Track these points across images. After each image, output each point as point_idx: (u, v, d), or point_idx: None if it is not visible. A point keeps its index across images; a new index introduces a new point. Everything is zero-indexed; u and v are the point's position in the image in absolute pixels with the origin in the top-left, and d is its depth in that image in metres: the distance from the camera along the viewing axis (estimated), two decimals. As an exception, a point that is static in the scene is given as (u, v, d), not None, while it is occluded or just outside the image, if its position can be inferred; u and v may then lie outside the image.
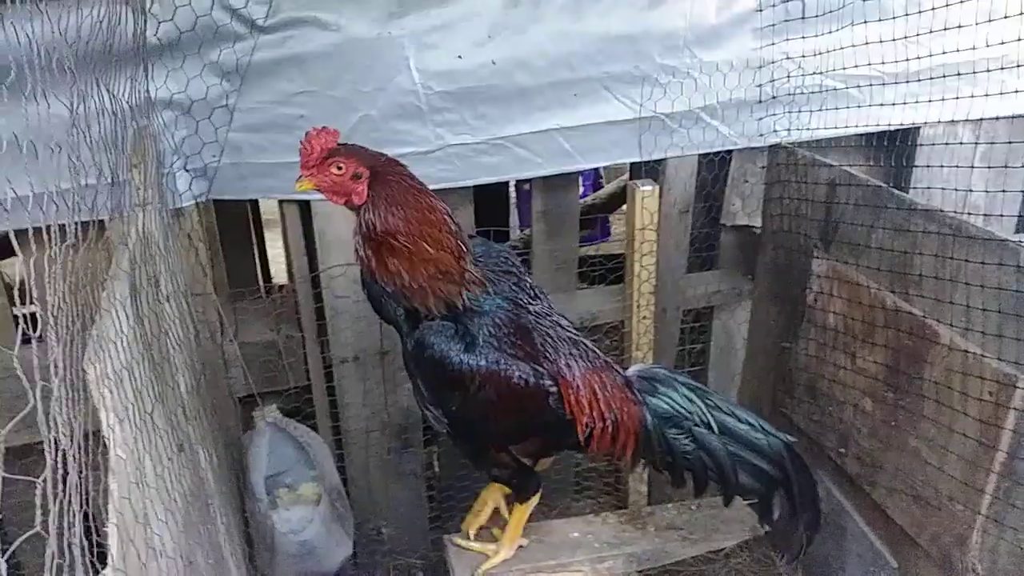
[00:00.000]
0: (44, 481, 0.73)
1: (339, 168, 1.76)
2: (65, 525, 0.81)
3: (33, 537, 0.76)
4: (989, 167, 2.44)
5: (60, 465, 0.80)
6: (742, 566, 3.01)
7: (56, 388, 0.82)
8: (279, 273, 4.31)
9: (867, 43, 2.47)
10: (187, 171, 2.27)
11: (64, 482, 0.81)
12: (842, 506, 2.66)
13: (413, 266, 1.78)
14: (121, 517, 1.11)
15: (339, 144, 1.78)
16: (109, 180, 1.48)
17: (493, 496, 2.32)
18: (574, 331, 2.00)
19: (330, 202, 1.84)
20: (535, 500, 2.15)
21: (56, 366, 0.84)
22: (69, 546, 0.83)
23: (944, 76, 2.42)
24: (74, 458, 0.96)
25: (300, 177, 1.79)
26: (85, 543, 0.99)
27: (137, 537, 1.19)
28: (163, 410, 1.61)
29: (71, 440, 0.86)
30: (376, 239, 1.78)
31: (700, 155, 2.77)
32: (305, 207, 2.49)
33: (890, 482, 2.41)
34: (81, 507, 0.99)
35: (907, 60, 2.43)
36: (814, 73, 2.63)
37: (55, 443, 0.79)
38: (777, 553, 3.05)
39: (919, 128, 2.79)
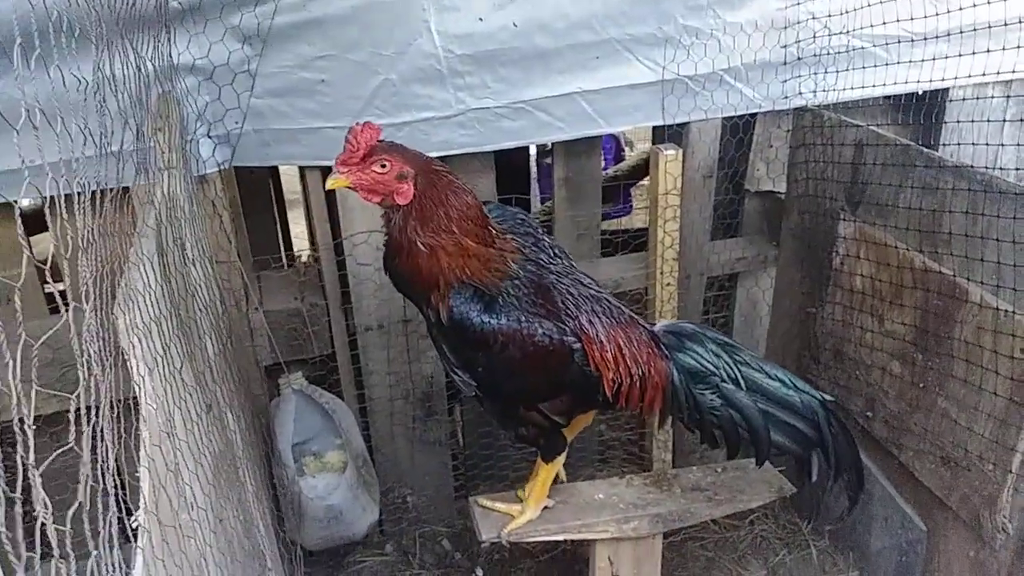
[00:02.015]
0: (77, 397, 0.74)
1: (383, 166, 1.73)
2: (99, 452, 0.82)
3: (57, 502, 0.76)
4: (1021, 121, 2.38)
5: (94, 391, 0.81)
6: (767, 532, 3.01)
7: (87, 315, 0.82)
8: (301, 249, 4.34)
9: (894, 0, 2.42)
10: (210, 138, 2.28)
11: (97, 411, 0.82)
12: (869, 470, 2.63)
13: (453, 266, 1.79)
14: (152, 463, 1.12)
15: (379, 141, 1.75)
16: (135, 138, 1.49)
17: None
18: (596, 288, 1.99)
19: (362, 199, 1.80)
20: (561, 460, 2.15)
21: (88, 295, 0.84)
22: (102, 473, 0.84)
23: (975, 30, 2.37)
24: (106, 393, 0.97)
25: (334, 173, 1.75)
26: (118, 480, 1.00)
27: (168, 485, 1.21)
28: (192, 368, 1.63)
29: (103, 372, 0.87)
30: (420, 240, 1.78)
31: (724, 119, 2.74)
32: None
33: (918, 444, 2.39)
34: (114, 443, 1.00)
35: (936, 16, 2.39)
36: (840, 33, 2.59)
37: (88, 367, 0.80)
38: (803, 519, 3.04)
39: (948, 89, 2.74)
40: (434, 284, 1.81)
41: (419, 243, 1.78)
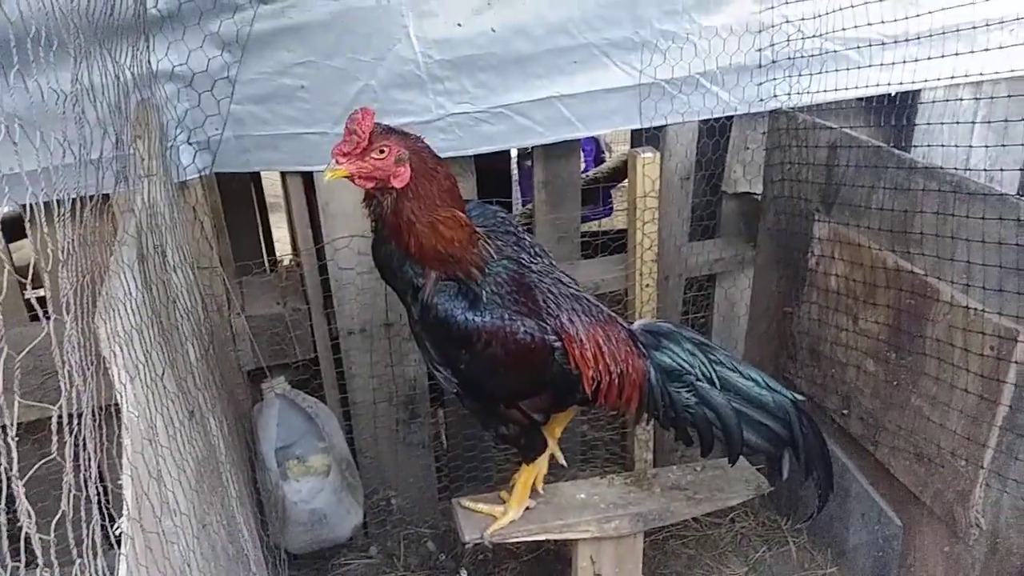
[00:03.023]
0: (60, 408, 0.75)
1: (382, 152, 1.72)
2: (81, 460, 0.83)
3: (39, 509, 0.77)
4: (990, 123, 2.43)
5: (75, 400, 0.82)
6: (747, 530, 3.04)
7: (69, 325, 0.84)
8: (283, 254, 4.33)
9: (866, 3, 2.46)
10: (190, 144, 2.29)
11: (80, 419, 0.83)
12: (845, 467, 2.68)
13: (455, 238, 1.81)
14: (135, 471, 1.14)
15: (375, 124, 1.73)
16: (114, 146, 1.50)
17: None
18: (576, 287, 2.02)
19: (356, 186, 1.79)
20: (541, 461, 2.17)
21: (68, 306, 0.86)
22: (85, 481, 0.85)
23: (945, 33, 2.41)
24: (88, 401, 0.98)
25: (333, 164, 1.72)
26: (100, 487, 1.01)
27: (151, 491, 1.22)
28: (173, 375, 1.64)
29: (84, 381, 0.88)
30: (420, 220, 1.79)
31: (700, 122, 2.78)
32: (308, 179, 2.51)
33: (893, 441, 2.43)
34: (96, 451, 1.01)
35: (907, 19, 2.43)
36: (814, 36, 2.63)
37: (69, 377, 0.82)
38: (782, 516, 3.08)
39: (919, 91, 2.79)
40: (437, 260, 1.82)
41: (420, 222, 1.78)
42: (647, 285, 2.83)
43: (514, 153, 4.65)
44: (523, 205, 4.68)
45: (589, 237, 3.07)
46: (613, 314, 2.05)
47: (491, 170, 3.29)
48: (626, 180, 3.12)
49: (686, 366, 2.02)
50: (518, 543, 2.62)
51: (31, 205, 0.92)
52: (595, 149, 5.09)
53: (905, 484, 2.42)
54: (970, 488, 2.17)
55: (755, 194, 3.02)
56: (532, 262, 1.96)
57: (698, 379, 2.01)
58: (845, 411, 2.63)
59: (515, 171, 4.84)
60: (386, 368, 2.80)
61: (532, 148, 2.74)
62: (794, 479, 2.14)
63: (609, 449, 3.36)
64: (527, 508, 2.24)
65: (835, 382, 2.67)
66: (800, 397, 2.08)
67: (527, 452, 2.14)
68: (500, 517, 2.21)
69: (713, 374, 2.01)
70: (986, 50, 2.38)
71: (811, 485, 2.15)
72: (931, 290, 2.22)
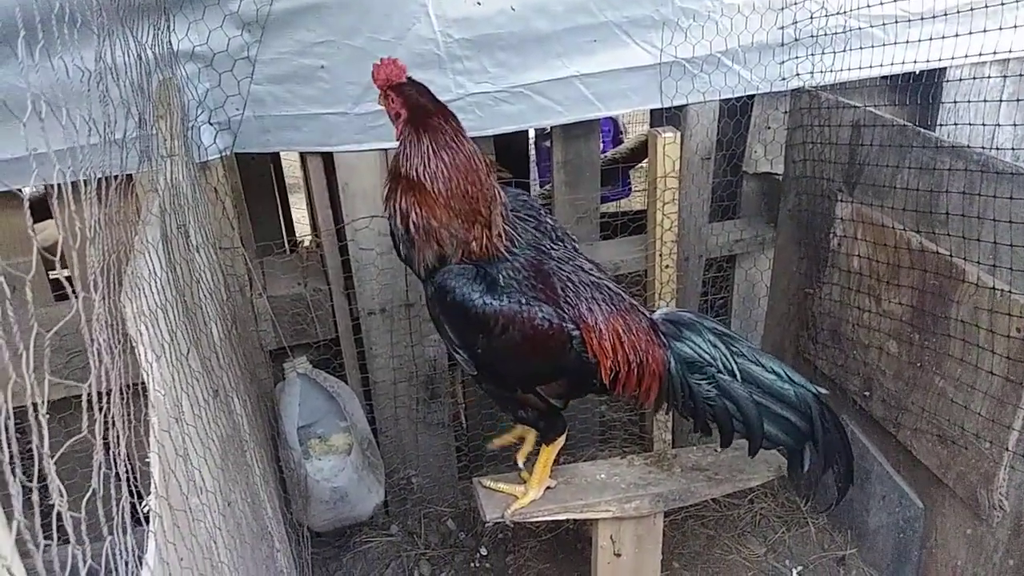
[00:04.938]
0: (89, 386, 0.76)
1: (387, 97, 1.87)
2: (110, 438, 0.84)
3: (68, 486, 0.78)
4: (1018, 101, 2.39)
5: (104, 379, 0.83)
6: (766, 510, 3.04)
7: (97, 304, 0.84)
8: (304, 235, 4.35)
9: (891, -20, 2.43)
10: (211, 125, 2.29)
11: (108, 396, 0.84)
12: (867, 449, 2.67)
13: (449, 217, 1.81)
14: (162, 448, 1.15)
15: (407, 79, 1.86)
16: (137, 125, 1.50)
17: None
18: (597, 274, 2.00)
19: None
20: (561, 441, 2.17)
21: (96, 284, 0.86)
22: (114, 459, 0.87)
23: (972, 10, 2.37)
24: (116, 380, 0.99)
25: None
26: (128, 467, 1.02)
27: (178, 470, 1.23)
28: (198, 354, 1.65)
29: (112, 360, 0.89)
30: (410, 184, 1.80)
31: (721, 101, 2.75)
32: (328, 159, 2.50)
33: (915, 423, 2.41)
34: (124, 430, 1.02)
35: (933, -5, 2.39)
36: (837, 13, 2.59)
37: (99, 355, 0.82)
38: (801, 497, 3.07)
39: (945, 69, 2.75)
40: (418, 241, 1.84)
41: (405, 197, 1.83)
42: (667, 266, 2.82)
43: (532, 133, 4.62)
44: (541, 186, 4.67)
45: (609, 217, 3.06)
46: (635, 302, 2.03)
47: (510, 150, 3.29)
48: (645, 160, 3.10)
49: (707, 358, 1.99)
50: (538, 522, 2.64)
51: (58, 184, 0.92)
52: (613, 129, 5.05)
53: (927, 466, 2.40)
54: (994, 470, 2.16)
55: (776, 174, 2.99)
56: (553, 247, 1.94)
57: (719, 371, 1.98)
58: (867, 393, 2.61)
59: (533, 152, 4.82)
60: (406, 348, 2.82)
61: (551, 128, 2.72)
62: (813, 468, 2.12)
63: (628, 430, 3.36)
64: (548, 488, 2.24)
65: (857, 364, 2.65)
66: (823, 391, 2.05)
67: (546, 434, 2.14)
68: (521, 497, 2.21)
69: (735, 366, 1.98)
70: (1013, 27, 2.33)
71: (829, 478, 2.13)
72: (956, 271, 2.19)
